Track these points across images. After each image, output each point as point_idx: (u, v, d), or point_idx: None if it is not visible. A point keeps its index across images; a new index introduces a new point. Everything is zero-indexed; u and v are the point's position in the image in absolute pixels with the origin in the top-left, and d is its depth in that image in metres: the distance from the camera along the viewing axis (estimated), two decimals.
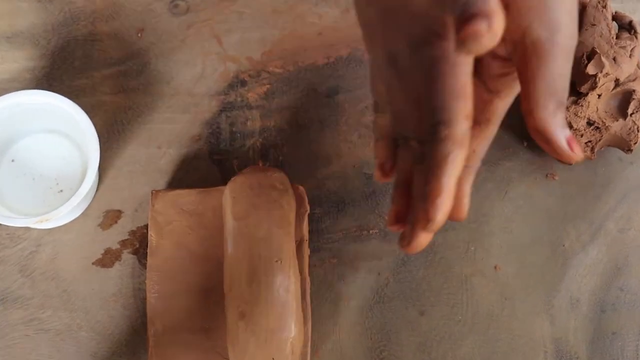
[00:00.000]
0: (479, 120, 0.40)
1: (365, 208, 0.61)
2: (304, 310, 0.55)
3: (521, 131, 0.63)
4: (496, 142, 0.60)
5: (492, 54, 0.38)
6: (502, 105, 0.40)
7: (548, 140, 0.35)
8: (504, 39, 0.36)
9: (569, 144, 0.35)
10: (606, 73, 0.56)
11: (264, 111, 0.63)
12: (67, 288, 0.58)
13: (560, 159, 0.36)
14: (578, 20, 0.37)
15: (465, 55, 0.31)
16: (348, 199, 0.61)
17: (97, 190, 0.61)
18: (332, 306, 0.59)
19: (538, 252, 0.61)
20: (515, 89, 0.40)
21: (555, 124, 0.35)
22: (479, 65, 0.39)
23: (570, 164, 0.35)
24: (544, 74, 0.35)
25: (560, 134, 0.35)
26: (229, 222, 0.54)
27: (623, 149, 0.60)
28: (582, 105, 0.57)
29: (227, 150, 0.62)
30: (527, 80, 0.35)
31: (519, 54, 0.36)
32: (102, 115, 0.62)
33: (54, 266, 0.59)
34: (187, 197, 0.57)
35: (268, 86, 0.63)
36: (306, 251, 0.57)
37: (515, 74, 0.38)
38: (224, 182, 0.59)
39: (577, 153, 0.35)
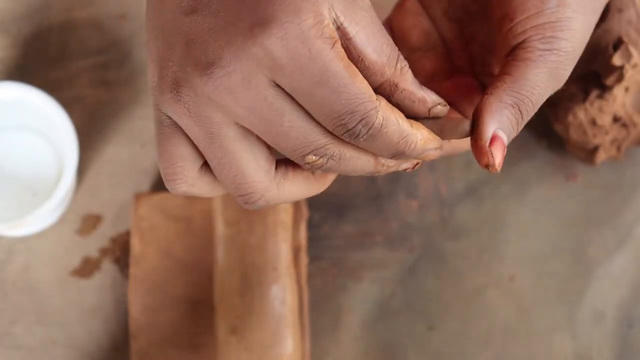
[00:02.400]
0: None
1: (368, 212, 0.61)
2: (301, 324, 0.56)
3: (540, 129, 0.63)
4: (512, 141, 0.59)
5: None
6: None
7: (477, 126, 0.35)
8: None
9: (492, 141, 0.35)
10: (634, 64, 0.55)
11: None
12: (42, 301, 0.58)
13: (475, 154, 0.35)
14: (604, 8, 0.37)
15: None
16: (350, 203, 0.61)
17: (74, 193, 0.60)
18: (332, 320, 0.59)
19: (558, 262, 0.61)
20: None
21: (496, 112, 0.35)
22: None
23: (486, 168, 0.34)
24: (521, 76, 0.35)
25: (492, 126, 0.35)
26: (220, 228, 0.54)
27: None
28: (607, 100, 0.57)
29: None
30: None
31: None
32: (80, 110, 0.61)
33: (27, 277, 0.59)
34: (173, 201, 0.58)
35: None
36: (304, 260, 0.57)
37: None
38: None
39: (493, 159, 0.35)
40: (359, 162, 0.35)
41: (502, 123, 0.35)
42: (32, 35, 0.63)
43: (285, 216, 0.54)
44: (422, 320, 0.59)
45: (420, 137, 0.34)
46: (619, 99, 0.57)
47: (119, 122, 0.61)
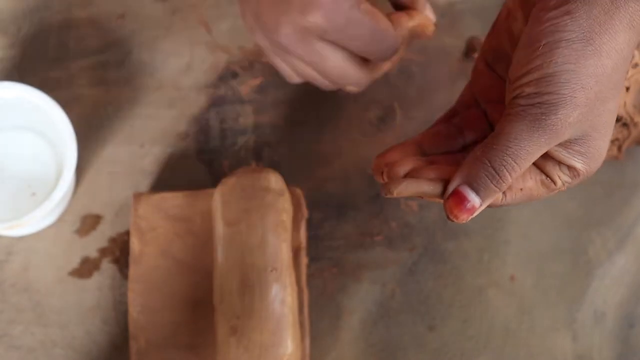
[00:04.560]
0: None
1: (368, 212, 0.61)
2: (301, 324, 0.56)
3: None
4: None
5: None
6: None
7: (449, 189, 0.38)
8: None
9: (451, 195, 0.37)
10: (635, 64, 0.56)
11: (257, 106, 0.63)
12: (41, 301, 0.58)
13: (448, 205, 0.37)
14: None
15: None
16: (350, 203, 0.61)
17: (73, 193, 0.60)
18: (332, 320, 0.59)
19: (559, 262, 0.61)
20: None
21: (464, 168, 0.37)
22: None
23: (450, 220, 0.38)
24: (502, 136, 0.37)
25: (455, 181, 0.37)
26: (219, 228, 0.54)
27: None
28: None
29: (216, 149, 0.62)
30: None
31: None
32: (79, 110, 0.61)
33: (26, 277, 0.59)
34: (172, 200, 0.58)
35: (262, 78, 0.63)
36: (304, 260, 0.57)
37: None
38: (214, 184, 0.60)
39: (456, 216, 0.37)
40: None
41: (469, 178, 0.37)
42: (31, 35, 0.62)
43: (285, 216, 0.54)
44: (422, 320, 0.59)
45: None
46: (620, 98, 0.56)
47: (118, 121, 0.61)
